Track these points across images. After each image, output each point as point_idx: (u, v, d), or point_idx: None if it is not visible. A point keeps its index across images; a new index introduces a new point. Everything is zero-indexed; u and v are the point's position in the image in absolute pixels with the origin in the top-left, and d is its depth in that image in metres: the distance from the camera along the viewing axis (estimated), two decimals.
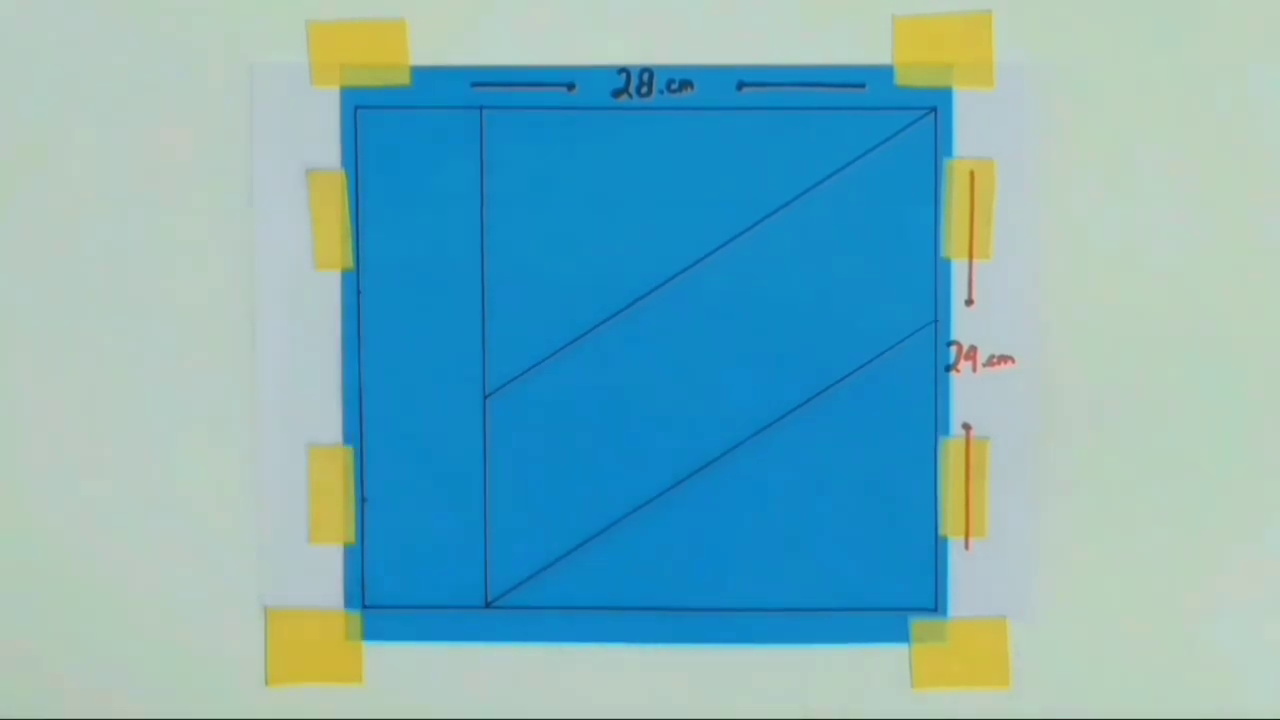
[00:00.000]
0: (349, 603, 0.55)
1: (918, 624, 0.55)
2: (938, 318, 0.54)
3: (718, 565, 0.55)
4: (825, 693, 0.55)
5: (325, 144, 0.54)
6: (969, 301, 0.54)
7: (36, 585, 0.55)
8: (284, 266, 0.55)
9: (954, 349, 0.54)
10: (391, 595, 0.55)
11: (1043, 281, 0.54)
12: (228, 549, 0.55)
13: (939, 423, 0.54)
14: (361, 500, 0.55)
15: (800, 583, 0.55)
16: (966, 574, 0.55)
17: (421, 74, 0.54)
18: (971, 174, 0.54)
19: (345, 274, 0.55)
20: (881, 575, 0.55)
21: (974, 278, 0.54)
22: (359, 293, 0.55)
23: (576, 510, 0.55)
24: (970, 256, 0.54)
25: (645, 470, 0.55)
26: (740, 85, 0.54)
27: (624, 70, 0.54)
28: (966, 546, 0.55)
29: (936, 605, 0.55)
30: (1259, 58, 0.54)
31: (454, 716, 0.55)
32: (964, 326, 0.54)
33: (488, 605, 0.55)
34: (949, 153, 0.54)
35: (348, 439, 0.55)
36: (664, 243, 0.54)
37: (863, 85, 0.54)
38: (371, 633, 0.55)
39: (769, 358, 0.54)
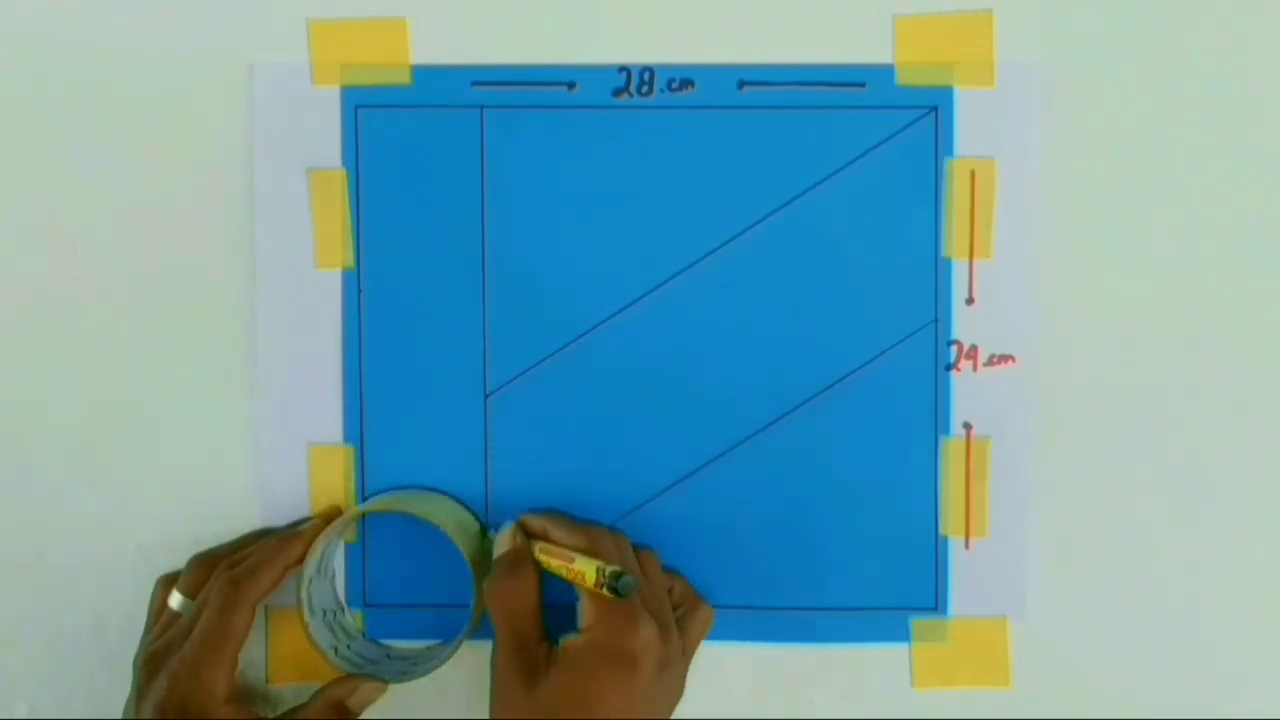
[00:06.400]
0: (350, 601, 0.55)
1: (918, 623, 0.55)
2: (938, 317, 0.54)
3: (717, 564, 0.55)
4: (826, 692, 0.55)
5: (325, 143, 0.54)
6: (970, 301, 0.54)
7: (36, 584, 0.55)
8: (284, 266, 0.55)
9: (954, 348, 0.54)
10: (392, 594, 0.55)
11: (1043, 281, 0.54)
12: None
13: (939, 422, 0.54)
14: (362, 500, 0.55)
15: (801, 582, 0.55)
16: (967, 574, 0.55)
17: (422, 73, 0.54)
18: (972, 173, 0.54)
19: (346, 273, 0.55)
20: (882, 575, 0.55)
21: (974, 277, 0.54)
22: (359, 291, 0.55)
23: (576, 510, 0.55)
24: (971, 256, 0.54)
25: (645, 470, 0.55)
26: (741, 84, 0.54)
27: (624, 69, 0.54)
28: (967, 546, 0.55)
29: (937, 605, 0.55)
30: (1259, 58, 0.54)
31: (454, 715, 0.55)
32: (964, 326, 0.54)
33: None
34: (949, 152, 0.54)
35: (348, 439, 0.55)
36: (664, 242, 0.54)
37: (863, 84, 0.54)
38: (372, 631, 0.55)
39: (769, 357, 0.54)
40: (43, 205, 0.55)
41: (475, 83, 0.54)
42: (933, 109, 0.54)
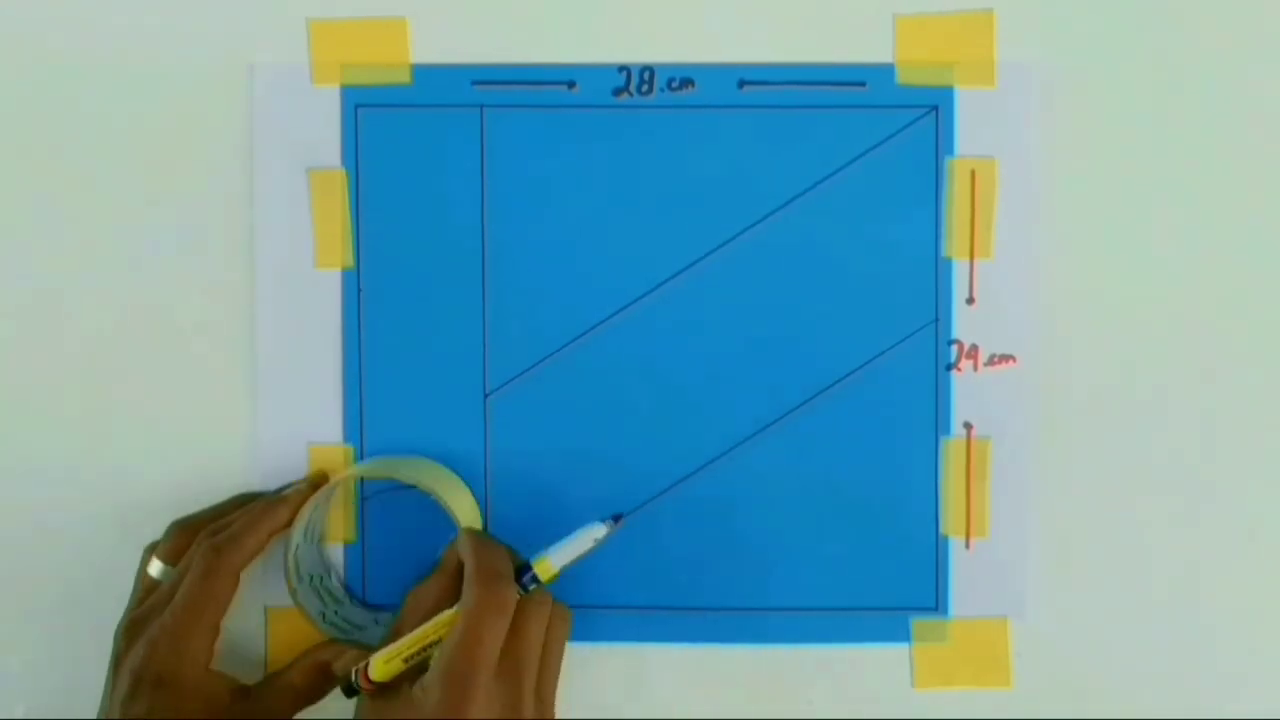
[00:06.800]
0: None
1: (918, 623, 0.55)
2: (939, 317, 0.54)
3: (717, 565, 0.55)
4: (826, 692, 0.55)
5: (325, 143, 0.54)
6: (970, 300, 0.54)
7: (36, 584, 0.55)
8: (284, 266, 0.55)
9: (955, 348, 0.54)
10: (391, 593, 0.55)
11: (1043, 281, 0.54)
12: None
13: (940, 422, 0.54)
14: (361, 500, 0.55)
15: (801, 582, 0.55)
16: (967, 574, 0.55)
17: (422, 72, 0.54)
18: (972, 173, 0.54)
19: (345, 272, 0.55)
20: (882, 575, 0.55)
21: (975, 277, 0.54)
22: (359, 291, 0.55)
23: (575, 511, 0.54)
24: (971, 255, 0.54)
25: (645, 470, 0.55)
26: (741, 83, 0.54)
27: (624, 68, 0.54)
28: (967, 546, 0.55)
29: (937, 605, 0.55)
30: (1259, 58, 0.54)
31: None
32: (965, 325, 0.54)
33: None
34: (950, 151, 0.54)
35: (348, 438, 0.55)
36: (664, 242, 0.54)
37: (863, 84, 0.54)
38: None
39: (770, 357, 0.54)
40: (43, 205, 0.55)
41: (475, 82, 0.54)
42: (933, 109, 0.54)
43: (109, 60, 0.55)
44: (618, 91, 0.54)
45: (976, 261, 0.54)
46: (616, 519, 0.51)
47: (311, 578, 0.53)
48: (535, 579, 0.50)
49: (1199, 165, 0.54)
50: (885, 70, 0.54)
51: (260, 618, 0.55)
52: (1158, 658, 0.55)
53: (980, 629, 0.55)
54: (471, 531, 0.51)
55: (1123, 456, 0.55)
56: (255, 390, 0.55)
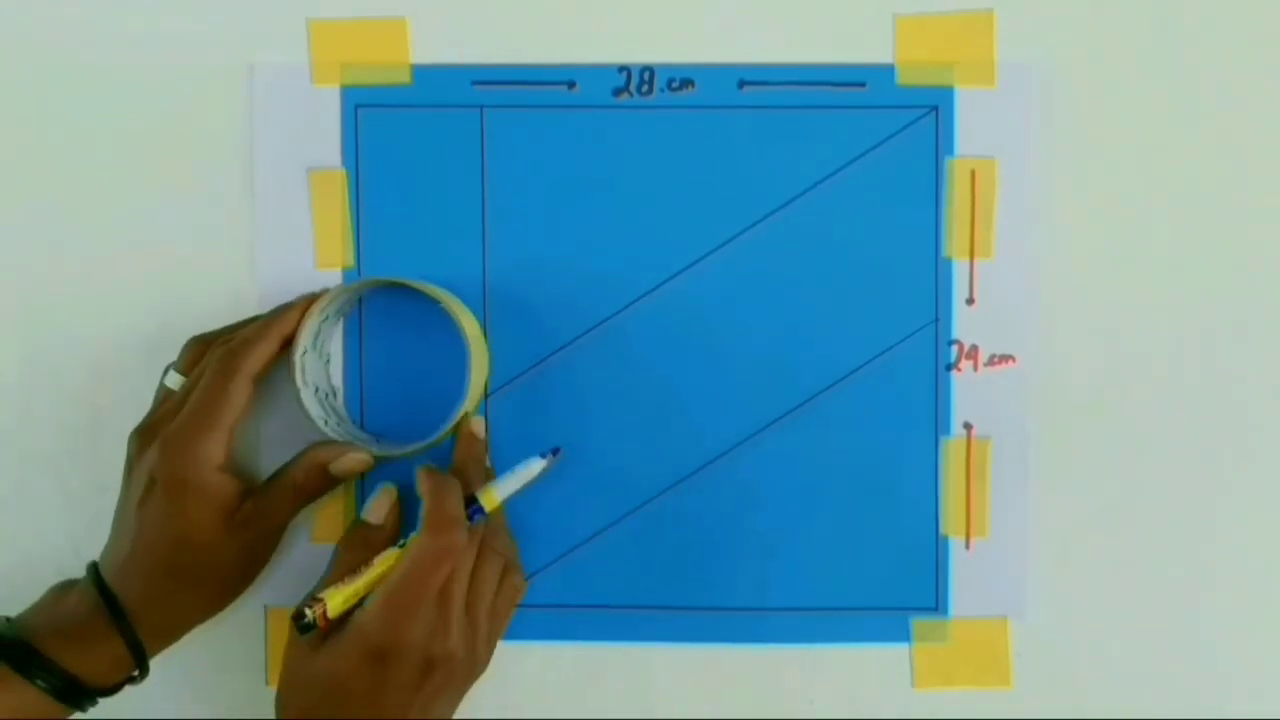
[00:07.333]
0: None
1: (919, 623, 0.55)
2: (939, 317, 0.54)
3: (717, 565, 0.55)
4: (826, 692, 0.55)
5: (325, 143, 0.54)
6: (970, 300, 0.54)
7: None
8: (284, 266, 0.55)
9: (955, 348, 0.54)
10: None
11: (1043, 281, 0.54)
12: None
13: (940, 422, 0.54)
14: (362, 499, 0.55)
15: (801, 582, 0.55)
16: (967, 574, 0.55)
17: (422, 72, 0.54)
18: (972, 173, 0.54)
19: (346, 273, 0.55)
20: (882, 575, 0.55)
21: (975, 277, 0.54)
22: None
23: (576, 510, 0.55)
24: (971, 256, 0.54)
25: (644, 470, 0.55)
26: (741, 84, 0.54)
27: (624, 69, 0.54)
28: (967, 546, 0.55)
29: (937, 605, 0.55)
30: (1258, 58, 0.54)
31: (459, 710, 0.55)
32: (965, 325, 0.54)
33: None
34: (950, 151, 0.54)
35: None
36: (664, 242, 0.54)
37: (863, 84, 0.54)
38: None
39: (769, 357, 0.54)
40: (43, 205, 0.55)
41: (475, 82, 0.54)
42: (933, 109, 0.54)
43: (109, 60, 0.55)
44: (618, 91, 0.54)
45: (976, 261, 0.54)
46: (554, 452, 0.52)
47: (317, 388, 0.53)
48: (480, 510, 0.51)
49: (1199, 165, 0.54)
50: (885, 70, 0.54)
51: (260, 616, 0.55)
52: (1158, 658, 0.55)
53: (980, 629, 0.55)
54: (428, 471, 0.51)
55: (1123, 456, 0.55)
56: (257, 391, 0.55)
